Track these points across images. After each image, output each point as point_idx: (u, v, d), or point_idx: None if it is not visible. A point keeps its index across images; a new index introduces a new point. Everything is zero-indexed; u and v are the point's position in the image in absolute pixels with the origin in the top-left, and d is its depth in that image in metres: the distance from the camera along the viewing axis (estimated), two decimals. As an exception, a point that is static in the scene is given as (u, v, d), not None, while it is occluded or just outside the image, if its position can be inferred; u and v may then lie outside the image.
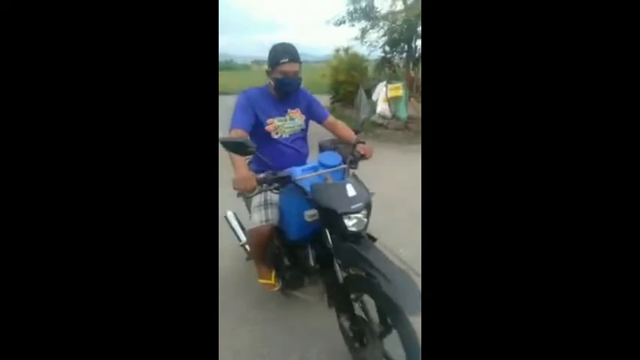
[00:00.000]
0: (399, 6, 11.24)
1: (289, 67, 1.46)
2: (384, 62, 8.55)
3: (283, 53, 1.44)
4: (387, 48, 9.78)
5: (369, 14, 11.93)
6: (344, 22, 12.65)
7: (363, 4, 11.79)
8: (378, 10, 11.84)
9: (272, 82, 1.52)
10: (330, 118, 1.70)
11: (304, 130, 1.67)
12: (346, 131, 1.67)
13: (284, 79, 1.47)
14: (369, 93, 6.82)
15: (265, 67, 1.51)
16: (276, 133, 1.57)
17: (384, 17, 11.28)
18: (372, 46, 11.72)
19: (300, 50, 1.47)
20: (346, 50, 7.94)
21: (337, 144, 1.66)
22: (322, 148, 1.72)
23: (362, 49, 9.13)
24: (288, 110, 1.59)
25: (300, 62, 1.47)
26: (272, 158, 1.40)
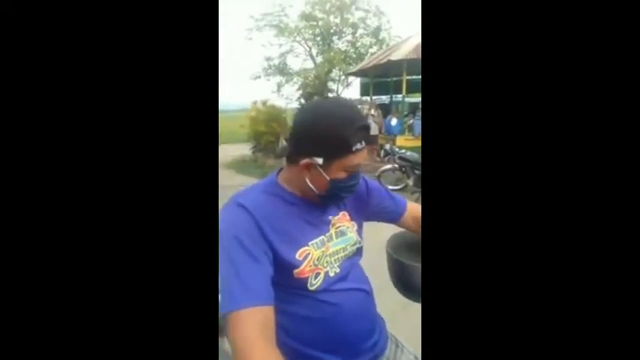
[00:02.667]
0: (310, 64, 12.48)
1: (363, 158, 0.64)
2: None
3: (358, 131, 0.61)
4: (303, 100, 10.48)
5: (282, 70, 12.94)
6: (259, 77, 13.43)
7: (277, 62, 12.82)
8: (290, 67, 12.97)
9: (308, 180, 0.64)
10: (413, 208, 0.81)
11: (361, 250, 0.74)
12: None
13: (348, 178, 0.64)
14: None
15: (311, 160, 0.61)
16: (316, 277, 0.64)
17: (297, 73, 12.33)
18: (288, 98, 12.56)
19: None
20: (264, 103, 8.18)
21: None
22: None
23: (279, 102, 9.54)
24: (331, 219, 0.70)
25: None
26: (310, 336, 0.63)
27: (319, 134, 0.61)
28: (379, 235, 0.84)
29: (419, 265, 0.71)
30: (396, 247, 0.79)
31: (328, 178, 0.63)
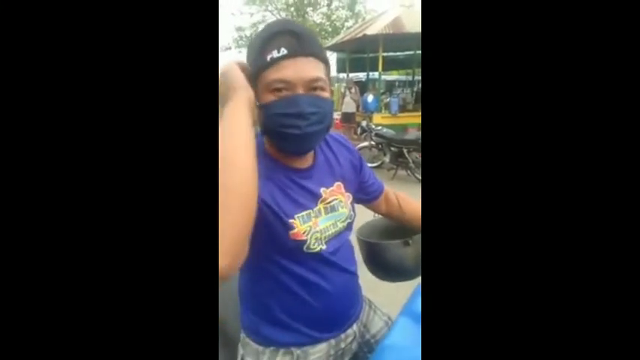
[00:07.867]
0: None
1: (293, 71, 0.50)
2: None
3: (275, 37, 0.51)
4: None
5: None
6: (230, 48, 12.78)
7: (248, 33, 12.19)
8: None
9: (260, 125, 0.56)
10: (388, 193, 0.78)
11: (351, 225, 0.67)
12: (415, 207, 0.78)
13: (279, 103, 0.52)
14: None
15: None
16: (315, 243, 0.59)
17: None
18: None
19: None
20: (236, 76, 7.80)
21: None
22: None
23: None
24: (322, 191, 0.61)
25: (326, 62, 0.55)
26: (290, 306, 0.60)
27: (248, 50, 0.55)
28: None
29: (386, 243, 0.74)
30: (367, 233, 0.82)
31: (258, 104, 0.52)
